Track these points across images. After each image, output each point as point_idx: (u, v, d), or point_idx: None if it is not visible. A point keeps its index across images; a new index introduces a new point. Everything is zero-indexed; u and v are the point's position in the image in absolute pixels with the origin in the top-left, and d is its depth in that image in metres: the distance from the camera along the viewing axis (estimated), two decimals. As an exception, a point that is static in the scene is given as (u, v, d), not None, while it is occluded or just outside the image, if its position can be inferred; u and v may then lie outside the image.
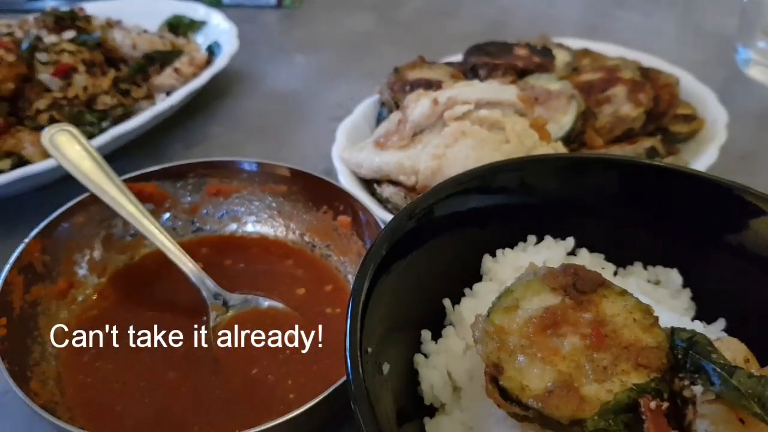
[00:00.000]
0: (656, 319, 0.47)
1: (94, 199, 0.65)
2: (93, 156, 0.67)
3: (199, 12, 1.10)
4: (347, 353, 0.44)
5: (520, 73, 0.85)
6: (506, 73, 0.85)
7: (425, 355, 0.54)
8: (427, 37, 1.28)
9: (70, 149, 0.67)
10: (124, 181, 0.66)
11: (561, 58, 0.92)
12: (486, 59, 0.86)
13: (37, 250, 0.61)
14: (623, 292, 0.48)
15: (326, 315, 0.65)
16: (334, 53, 1.21)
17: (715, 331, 0.55)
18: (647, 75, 0.88)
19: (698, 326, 0.52)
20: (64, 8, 1.03)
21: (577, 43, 1.02)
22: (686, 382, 0.43)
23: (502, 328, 0.48)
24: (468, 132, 0.68)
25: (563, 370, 0.45)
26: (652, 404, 0.41)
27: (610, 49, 1.01)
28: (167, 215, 0.71)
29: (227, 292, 0.63)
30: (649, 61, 0.98)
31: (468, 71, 0.88)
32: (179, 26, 1.07)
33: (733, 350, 0.46)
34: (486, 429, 0.48)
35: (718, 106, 0.89)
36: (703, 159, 0.79)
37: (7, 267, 0.59)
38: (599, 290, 0.49)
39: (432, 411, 0.52)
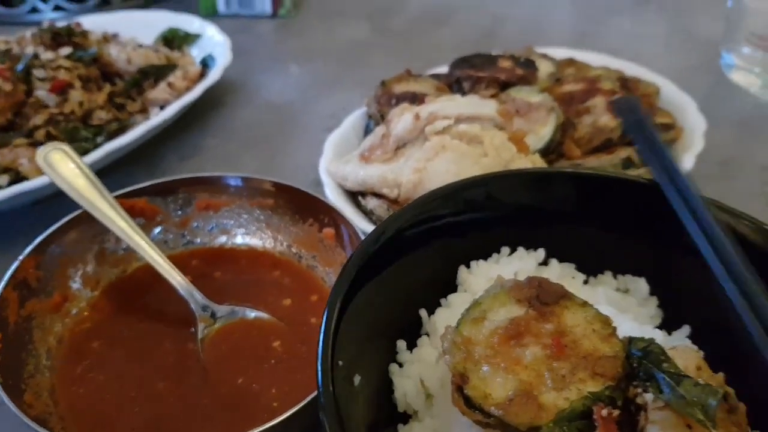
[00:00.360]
0: (614, 329, 0.49)
1: (87, 216, 0.67)
2: (86, 173, 0.70)
3: (194, 25, 1.12)
4: (318, 366, 0.47)
5: (503, 86, 0.88)
6: (489, 86, 0.87)
7: (400, 365, 0.56)
8: (420, 46, 1.30)
9: (64, 167, 0.69)
10: (116, 197, 0.69)
11: (544, 69, 0.94)
12: (470, 72, 0.88)
13: (31, 267, 0.64)
14: (584, 304, 0.51)
15: (311, 325, 0.67)
16: (328, 63, 1.23)
17: (678, 338, 0.57)
18: (627, 85, 0.90)
19: (659, 335, 0.54)
20: (62, 22, 1.06)
21: (562, 53, 1.04)
22: (639, 390, 0.45)
23: (469, 338, 0.51)
24: (448, 146, 0.71)
25: (524, 379, 0.48)
26: (604, 411, 0.43)
27: (594, 58, 1.03)
28: (158, 229, 0.74)
29: (215, 303, 0.66)
30: (632, 69, 0.99)
31: (453, 83, 0.90)
32: (174, 39, 1.10)
33: (686, 359, 0.49)
34: (454, 441, 0.51)
35: (697, 114, 0.90)
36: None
37: (2, 284, 0.61)
38: (561, 302, 0.52)
39: (406, 418, 0.55)
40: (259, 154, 0.98)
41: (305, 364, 0.62)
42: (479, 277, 0.61)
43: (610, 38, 1.34)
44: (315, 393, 0.54)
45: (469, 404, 0.47)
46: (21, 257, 0.63)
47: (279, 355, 0.64)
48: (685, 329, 0.58)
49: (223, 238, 0.75)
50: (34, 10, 1.33)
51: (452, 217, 0.61)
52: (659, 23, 1.41)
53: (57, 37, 0.96)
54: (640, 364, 0.47)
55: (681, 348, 0.50)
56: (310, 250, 0.73)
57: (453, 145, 0.71)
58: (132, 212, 0.69)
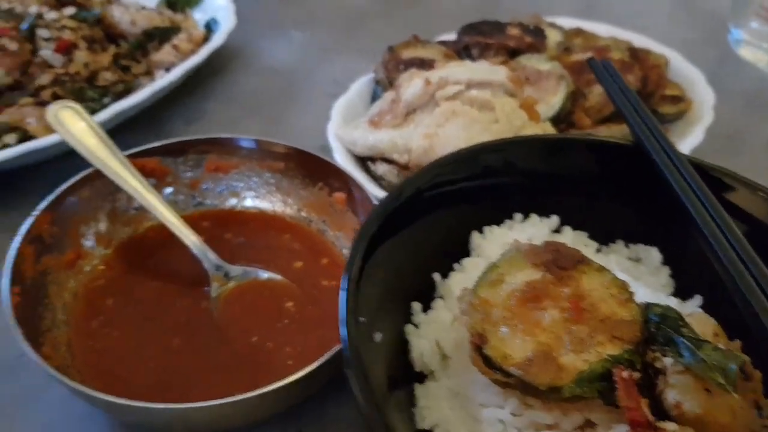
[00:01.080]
0: (632, 294, 0.50)
1: (99, 174, 0.67)
2: (97, 132, 0.70)
3: None
4: (342, 321, 0.47)
5: (511, 53, 0.87)
6: (498, 53, 0.87)
7: (415, 326, 0.57)
8: (422, 13, 1.29)
9: (74, 126, 0.69)
10: (127, 156, 0.69)
11: (553, 37, 0.94)
12: (478, 38, 0.88)
13: (45, 222, 0.64)
14: (601, 269, 0.51)
15: (322, 287, 0.68)
16: (330, 29, 1.22)
17: (690, 307, 0.58)
18: (636, 56, 0.91)
19: (673, 302, 0.55)
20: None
21: (569, 23, 1.04)
22: (658, 354, 0.46)
23: (487, 301, 0.51)
24: (459, 112, 0.71)
25: (543, 341, 0.48)
26: (624, 374, 0.44)
27: (602, 29, 1.03)
28: (169, 190, 0.74)
29: (228, 264, 0.66)
30: (640, 41, 1.00)
31: (461, 50, 0.90)
32: (177, 2, 1.08)
33: (703, 325, 0.50)
34: (471, 394, 0.51)
35: (707, 87, 0.91)
36: (689, 140, 0.81)
37: (19, 238, 0.61)
38: (578, 266, 0.52)
39: (422, 377, 0.55)
40: (263, 120, 0.98)
41: (318, 324, 0.63)
42: (492, 242, 0.61)
43: (616, 10, 1.33)
44: (333, 350, 0.55)
45: (489, 364, 0.48)
46: (35, 212, 0.63)
47: (292, 315, 0.65)
48: (698, 299, 0.60)
49: (233, 201, 0.75)
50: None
51: (467, 181, 0.62)
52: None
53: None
54: (658, 328, 0.48)
55: (697, 315, 0.51)
56: (320, 214, 0.73)
57: (464, 110, 0.71)
58: (143, 172, 0.69)
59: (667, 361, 0.45)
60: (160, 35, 0.95)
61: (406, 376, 0.54)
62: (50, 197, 0.66)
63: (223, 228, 0.73)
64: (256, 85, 1.06)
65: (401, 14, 1.30)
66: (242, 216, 0.74)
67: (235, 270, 0.66)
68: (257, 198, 0.75)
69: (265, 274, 0.67)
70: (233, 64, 1.09)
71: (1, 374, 0.64)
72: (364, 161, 0.77)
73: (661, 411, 0.44)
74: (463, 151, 0.60)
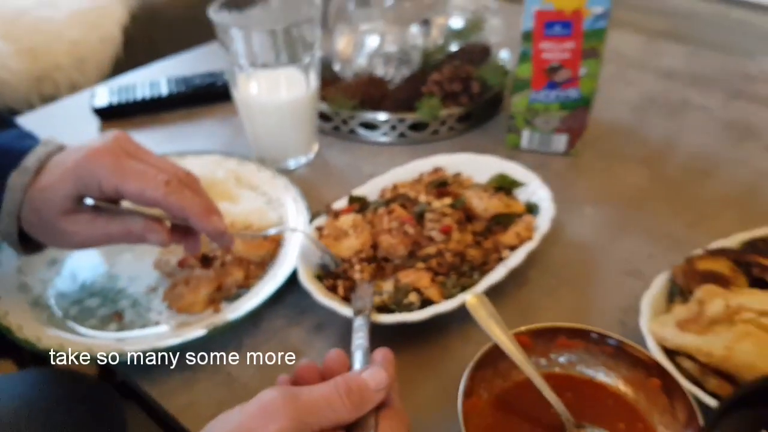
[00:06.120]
0: None
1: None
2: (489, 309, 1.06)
3: (519, 172, 1.44)
4: None
5: (784, 276, 1.13)
6: (775, 275, 1.13)
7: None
8: (689, 195, 1.56)
9: (479, 310, 1.06)
10: (513, 334, 1.04)
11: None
12: (758, 259, 1.15)
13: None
14: None
15: (640, 445, 0.97)
16: (615, 206, 1.52)
17: None
18: None
19: None
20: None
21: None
22: None
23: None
24: (752, 333, 0.99)
25: None
26: None
27: None
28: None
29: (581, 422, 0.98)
30: None
31: (742, 264, 1.17)
32: (505, 184, 1.45)
33: None
34: None
35: None
36: None
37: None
38: None
39: None
40: (572, 290, 1.30)
41: None
42: None
43: None
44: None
45: None
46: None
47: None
48: None
49: (575, 369, 1.07)
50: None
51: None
52: None
53: (441, 186, 1.35)
54: None
55: None
56: (636, 390, 1.03)
57: (756, 333, 0.99)
58: (520, 342, 1.04)
59: None
60: (504, 222, 1.32)
61: None
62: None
63: (564, 388, 1.05)
64: (565, 257, 1.39)
65: (672, 195, 1.56)
66: (580, 381, 1.06)
67: (584, 426, 0.98)
68: (590, 369, 1.07)
69: (601, 431, 0.98)
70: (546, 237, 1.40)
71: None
72: (669, 354, 1.07)
73: None
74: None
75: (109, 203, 0.95)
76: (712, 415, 0.85)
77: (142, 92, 1.80)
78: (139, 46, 3.17)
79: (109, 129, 1.74)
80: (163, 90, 1.81)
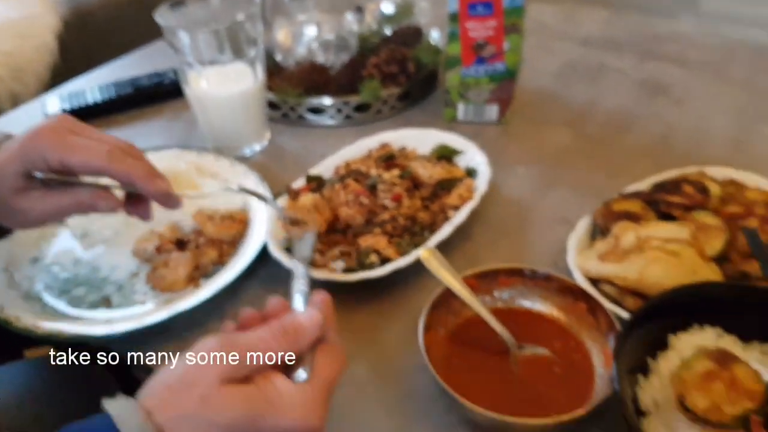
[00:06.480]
0: (760, 376, 0.93)
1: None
2: (441, 261, 1.22)
3: (459, 142, 1.59)
4: (614, 369, 0.95)
5: (686, 208, 1.33)
6: (678, 208, 1.32)
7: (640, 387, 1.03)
8: (611, 151, 1.73)
9: (431, 259, 1.22)
10: (463, 278, 1.20)
11: (714, 191, 1.38)
12: (665, 197, 1.34)
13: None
14: (745, 362, 0.95)
15: (573, 358, 1.15)
16: (543, 165, 1.68)
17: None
18: (774, 208, 1.33)
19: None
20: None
21: (723, 173, 1.47)
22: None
23: (684, 377, 0.97)
24: (659, 258, 1.17)
25: (714, 398, 0.93)
26: (755, 417, 0.88)
27: (750, 178, 1.45)
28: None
29: (521, 343, 1.15)
30: (773, 188, 1.41)
31: (652, 203, 1.36)
32: (445, 154, 1.60)
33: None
34: (674, 426, 0.97)
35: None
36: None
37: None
38: (732, 360, 0.97)
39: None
40: (511, 241, 1.46)
41: (574, 387, 1.04)
42: (683, 342, 1.05)
43: (760, 146, 1.73)
44: (598, 399, 1.02)
45: (685, 409, 0.94)
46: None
47: (559, 376, 1.11)
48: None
49: (515, 302, 1.24)
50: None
51: (670, 303, 1.07)
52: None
53: (388, 159, 1.50)
54: (774, 393, 0.92)
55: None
56: (567, 314, 1.20)
57: (662, 257, 1.17)
58: (467, 283, 1.20)
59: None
60: (448, 186, 1.48)
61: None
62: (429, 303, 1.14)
63: (508, 319, 1.22)
64: (502, 212, 1.54)
65: (595, 152, 1.74)
66: (520, 312, 1.24)
67: (524, 346, 1.15)
68: (528, 302, 1.25)
69: (540, 350, 1.16)
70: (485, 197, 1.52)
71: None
72: (593, 282, 1.25)
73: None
74: (674, 289, 1.05)
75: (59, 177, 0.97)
76: (625, 324, 1.03)
77: (93, 97, 1.84)
78: (74, 52, 3.21)
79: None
80: (113, 93, 1.87)
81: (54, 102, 1.87)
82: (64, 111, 1.80)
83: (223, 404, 0.65)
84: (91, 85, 1.91)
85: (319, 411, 0.72)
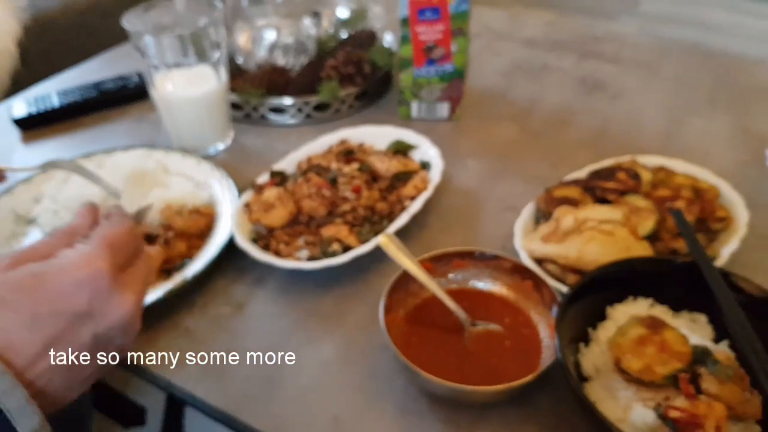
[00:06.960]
0: (688, 340, 1.05)
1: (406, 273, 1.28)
2: (400, 248, 1.31)
3: (412, 137, 1.70)
4: (557, 340, 1.06)
5: (620, 192, 1.45)
6: (613, 193, 1.45)
7: (582, 354, 1.15)
8: (553, 143, 1.86)
9: (389, 244, 1.31)
10: (419, 260, 1.30)
11: (645, 177, 1.51)
12: (600, 183, 1.46)
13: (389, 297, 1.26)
14: (674, 328, 1.07)
15: (522, 333, 1.26)
16: (492, 157, 1.81)
17: (722, 347, 1.13)
18: (699, 191, 1.46)
19: (710, 344, 1.10)
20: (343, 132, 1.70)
21: (654, 161, 1.60)
22: (698, 367, 1.02)
23: (620, 343, 1.08)
24: (595, 237, 1.29)
25: (647, 361, 1.05)
26: (683, 375, 1.00)
27: (678, 165, 1.59)
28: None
29: (472, 319, 1.26)
30: (702, 174, 1.54)
31: (588, 188, 1.48)
32: (401, 148, 1.70)
33: (724, 356, 1.05)
34: (613, 387, 1.08)
35: (744, 208, 1.42)
36: (729, 247, 1.35)
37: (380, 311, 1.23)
38: (663, 326, 1.09)
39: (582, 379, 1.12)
40: (463, 228, 1.58)
41: (523, 357, 1.16)
42: (619, 312, 1.16)
43: (689, 136, 1.88)
44: (545, 366, 1.13)
45: (621, 371, 1.05)
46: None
47: (509, 349, 1.22)
48: (725, 343, 1.14)
49: (468, 283, 1.35)
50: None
51: (606, 277, 1.18)
52: (725, 121, 1.93)
53: (348, 154, 1.59)
54: (700, 357, 1.04)
55: (721, 350, 1.07)
56: (516, 292, 1.32)
57: (599, 237, 1.29)
58: (424, 267, 1.30)
59: (702, 370, 1.01)
60: (404, 178, 1.58)
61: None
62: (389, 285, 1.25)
63: (462, 298, 1.33)
64: (455, 201, 1.65)
65: (539, 144, 1.86)
66: (474, 292, 1.34)
67: (477, 323, 1.25)
68: (481, 282, 1.35)
69: (492, 326, 1.26)
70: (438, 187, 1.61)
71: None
72: (538, 261, 1.36)
73: (699, 391, 1.01)
74: (610, 263, 1.15)
75: None
76: (564, 298, 1.14)
77: (59, 100, 1.88)
78: (35, 57, 3.21)
79: (31, 138, 1.87)
80: (78, 96, 1.91)
81: (20, 105, 1.89)
82: (31, 114, 1.83)
83: (5, 278, 0.68)
84: (57, 89, 1.94)
85: (101, 255, 0.71)
